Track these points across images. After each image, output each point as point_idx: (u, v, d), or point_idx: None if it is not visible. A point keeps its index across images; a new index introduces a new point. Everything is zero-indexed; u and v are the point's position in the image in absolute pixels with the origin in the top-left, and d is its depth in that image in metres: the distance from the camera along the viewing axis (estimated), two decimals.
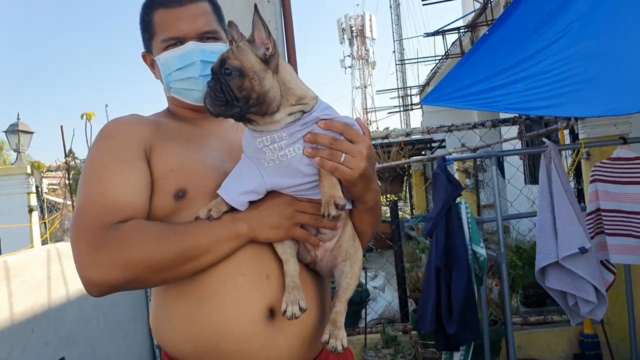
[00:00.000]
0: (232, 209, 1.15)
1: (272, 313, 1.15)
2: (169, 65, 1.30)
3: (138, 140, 1.20)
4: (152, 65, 1.38)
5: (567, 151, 4.29)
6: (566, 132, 4.06)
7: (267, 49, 1.08)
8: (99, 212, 1.08)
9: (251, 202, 1.16)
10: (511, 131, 4.80)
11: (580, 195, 4.03)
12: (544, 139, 3.31)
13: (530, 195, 4.91)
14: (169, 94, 1.38)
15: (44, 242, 4.97)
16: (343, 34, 31.12)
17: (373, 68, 32.22)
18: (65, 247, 2.98)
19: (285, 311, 1.10)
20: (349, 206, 1.21)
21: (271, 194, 1.17)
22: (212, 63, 1.21)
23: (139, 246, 1.05)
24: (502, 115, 4.27)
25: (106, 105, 3.70)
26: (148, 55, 1.38)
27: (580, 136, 3.90)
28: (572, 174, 3.98)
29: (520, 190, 4.74)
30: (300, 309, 1.10)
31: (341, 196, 1.07)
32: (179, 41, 1.28)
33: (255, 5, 1.08)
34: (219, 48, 1.30)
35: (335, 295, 1.20)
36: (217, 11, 1.37)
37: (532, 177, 7.55)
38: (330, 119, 1.11)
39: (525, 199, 4.95)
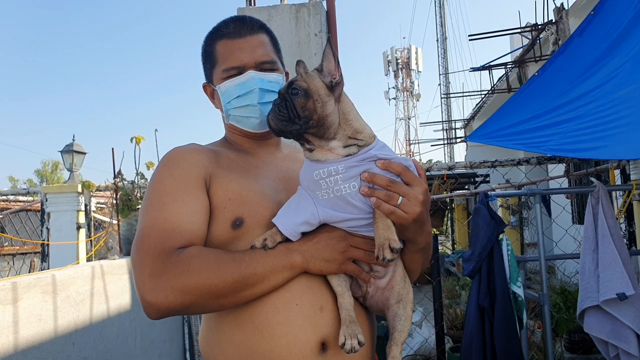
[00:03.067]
0: (286, 239, 1.18)
1: (323, 347, 1.16)
2: (229, 93, 1.36)
3: (199, 169, 1.25)
4: (212, 95, 1.45)
5: (617, 192, 4.12)
6: (617, 172, 3.92)
7: (334, 77, 1.14)
8: (161, 237, 1.13)
9: (305, 234, 1.19)
10: (558, 169, 4.68)
11: (632, 238, 3.85)
12: (593, 179, 3.21)
13: (577, 235, 4.72)
14: (227, 121, 1.43)
15: (89, 259, 5.14)
16: (388, 66, 31.38)
17: (417, 100, 32.21)
18: (108, 265, 3.07)
19: (344, 344, 1.11)
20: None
21: (326, 227, 1.19)
22: (270, 92, 1.32)
23: (199, 272, 1.09)
24: None
25: (155, 129, 3.86)
26: (209, 85, 1.45)
27: (632, 177, 3.75)
28: (623, 216, 3.82)
29: (566, 230, 4.58)
30: (359, 343, 1.11)
31: (396, 239, 1.08)
32: (239, 71, 1.35)
33: (329, 38, 1.15)
34: (276, 78, 1.37)
35: (391, 339, 1.20)
36: (275, 43, 1.44)
37: (579, 217, 7.28)
38: (388, 160, 1.12)
39: (572, 239, 4.77)
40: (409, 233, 1.17)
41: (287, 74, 1.47)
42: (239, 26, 1.37)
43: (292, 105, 1.11)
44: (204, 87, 1.47)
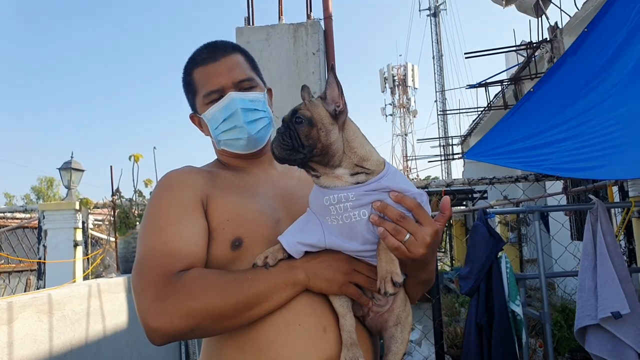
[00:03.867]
0: (288, 257, 1.17)
1: None
2: (215, 119, 1.37)
3: (195, 190, 1.25)
4: (200, 124, 1.46)
5: (616, 209, 4.13)
6: (615, 188, 3.92)
7: (338, 106, 1.14)
8: (161, 262, 1.12)
9: (309, 252, 1.18)
10: (555, 185, 4.68)
11: (632, 255, 3.84)
12: (591, 196, 3.21)
13: (577, 252, 4.71)
14: (219, 147, 1.44)
15: (85, 277, 5.10)
16: (385, 83, 31.58)
17: (414, 116, 32.36)
18: (105, 283, 3.05)
19: None
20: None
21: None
22: (253, 110, 1.33)
23: (202, 295, 1.08)
24: None
25: (154, 147, 3.86)
26: (195, 115, 1.46)
27: (631, 194, 3.76)
28: (623, 233, 3.81)
29: (565, 247, 4.57)
30: None
31: (399, 273, 1.07)
32: (219, 94, 1.36)
33: (333, 66, 1.19)
34: (256, 96, 1.39)
35: None
36: (251, 61, 1.46)
37: (578, 233, 7.28)
38: (402, 194, 1.11)
39: (571, 256, 4.76)
40: (409, 269, 1.16)
41: (269, 90, 1.48)
42: (211, 51, 1.40)
43: (296, 134, 1.11)
44: (191, 118, 1.49)
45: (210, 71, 1.37)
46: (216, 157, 1.50)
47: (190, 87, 1.43)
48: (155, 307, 1.06)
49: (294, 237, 1.17)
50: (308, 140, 1.11)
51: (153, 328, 1.06)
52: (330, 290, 1.16)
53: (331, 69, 1.15)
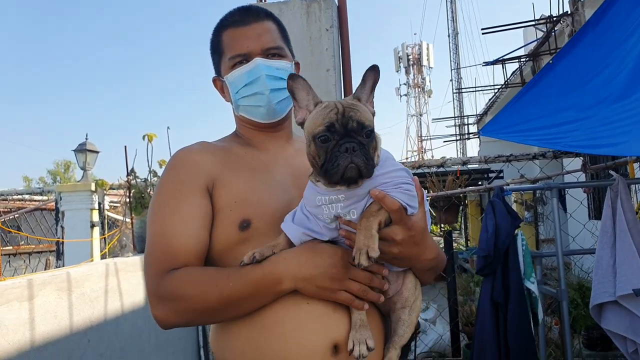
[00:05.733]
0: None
1: (335, 349, 1.13)
2: (237, 82, 1.35)
3: (201, 174, 1.26)
4: (222, 89, 1.44)
5: (636, 185, 4.04)
6: (636, 165, 3.84)
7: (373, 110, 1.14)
8: (158, 257, 1.21)
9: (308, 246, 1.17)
10: (574, 163, 4.60)
11: None
12: (612, 172, 3.15)
13: (595, 230, 4.64)
14: (237, 112, 1.42)
15: (102, 257, 5.18)
16: (399, 62, 31.22)
17: (429, 96, 32.03)
18: (122, 262, 3.08)
19: (352, 350, 1.09)
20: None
21: (333, 246, 1.16)
22: (278, 79, 1.30)
23: (185, 298, 1.14)
24: None
25: (168, 127, 3.86)
26: (218, 79, 1.44)
27: None
28: None
29: (583, 225, 4.50)
30: (368, 349, 1.10)
31: (375, 249, 1.03)
32: (245, 58, 1.33)
33: (374, 66, 1.12)
34: (284, 65, 1.36)
35: (390, 341, 1.19)
36: (282, 30, 1.42)
37: (597, 212, 7.16)
38: (383, 194, 1.06)
39: (589, 235, 4.69)
40: (398, 264, 1.19)
41: (297, 64, 1.44)
42: (244, 14, 1.36)
43: (367, 149, 1.04)
44: (214, 81, 1.46)
45: (240, 34, 1.35)
46: (234, 130, 1.48)
47: (217, 49, 1.40)
48: (153, 299, 1.18)
49: (299, 227, 1.15)
50: (374, 153, 1.07)
51: (155, 316, 1.20)
52: (322, 297, 1.13)
53: (373, 68, 1.11)
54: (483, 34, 7.49)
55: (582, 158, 4.14)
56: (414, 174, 1.18)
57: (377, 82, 1.13)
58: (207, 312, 1.15)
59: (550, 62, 2.70)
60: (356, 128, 1.03)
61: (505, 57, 8.10)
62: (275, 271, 1.11)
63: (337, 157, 1.01)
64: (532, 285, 2.81)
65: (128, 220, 4.20)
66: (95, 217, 5.58)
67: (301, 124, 1.15)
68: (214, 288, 1.13)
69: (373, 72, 1.11)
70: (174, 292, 1.14)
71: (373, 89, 1.13)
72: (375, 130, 1.08)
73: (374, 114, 1.12)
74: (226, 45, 1.36)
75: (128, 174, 4.04)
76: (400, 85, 31.84)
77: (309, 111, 1.13)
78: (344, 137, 1.02)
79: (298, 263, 1.12)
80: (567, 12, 6.00)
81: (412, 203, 1.09)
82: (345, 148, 1.01)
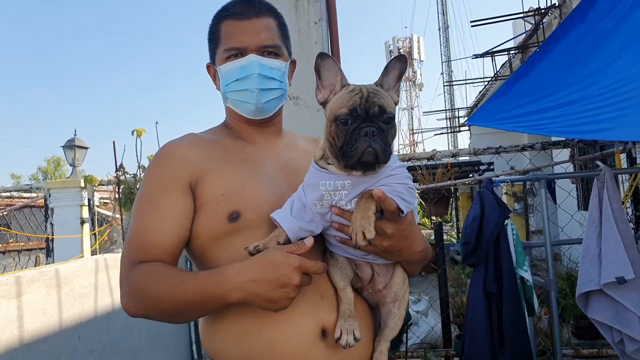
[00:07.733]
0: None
1: (324, 333, 1.16)
2: (229, 75, 1.34)
3: (187, 168, 1.25)
4: (214, 77, 1.42)
5: (623, 176, 4.08)
6: (622, 155, 3.87)
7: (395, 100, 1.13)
8: (133, 249, 1.21)
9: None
10: (562, 154, 4.63)
11: (638, 222, 3.81)
12: (599, 162, 3.17)
13: (584, 221, 4.68)
14: (225, 103, 1.41)
15: (93, 253, 5.15)
16: (390, 56, 31.15)
17: (420, 90, 32.08)
18: (112, 258, 3.06)
19: (339, 339, 1.11)
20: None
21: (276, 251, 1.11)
22: (269, 78, 1.29)
23: (143, 297, 1.15)
24: (554, 138, 4.13)
25: (156, 122, 3.84)
26: (212, 66, 1.42)
27: (639, 160, 3.71)
28: (630, 200, 3.78)
29: (572, 216, 4.54)
30: (355, 339, 1.11)
31: (372, 230, 1.04)
32: (240, 53, 1.32)
33: (404, 57, 1.13)
34: (278, 65, 1.34)
35: (381, 334, 1.21)
36: (282, 28, 1.40)
37: (585, 202, 7.24)
38: (384, 195, 1.05)
39: (578, 225, 4.74)
40: (387, 257, 1.19)
41: (293, 62, 1.44)
42: (245, 7, 1.34)
43: (387, 135, 1.06)
44: (208, 67, 1.45)
45: (238, 27, 1.33)
46: (224, 120, 1.47)
47: (214, 37, 1.39)
48: (121, 288, 1.19)
49: (295, 222, 1.14)
50: (391, 141, 1.08)
51: (121, 304, 1.18)
52: (276, 308, 1.09)
53: (399, 58, 1.11)
54: (472, 26, 7.52)
55: (570, 149, 4.17)
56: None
57: (404, 72, 1.13)
58: (160, 312, 1.16)
59: (537, 50, 2.71)
60: (377, 113, 1.05)
61: (494, 50, 8.13)
62: (226, 282, 1.09)
63: (357, 140, 1.03)
64: (525, 274, 2.81)
65: (118, 216, 4.18)
66: (85, 213, 5.54)
67: (322, 104, 1.15)
68: (168, 289, 1.13)
69: (399, 62, 1.11)
70: (135, 285, 1.16)
71: (399, 78, 1.13)
72: None
73: (396, 103, 1.12)
74: (223, 35, 1.35)
75: (117, 170, 4.01)
76: None
77: (333, 92, 1.13)
78: (365, 121, 1.04)
79: (249, 277, 1.08)
80: (555, 4, 6.03)
81: (411, 200, 1.11)
82: (365, 132, 1.03)
